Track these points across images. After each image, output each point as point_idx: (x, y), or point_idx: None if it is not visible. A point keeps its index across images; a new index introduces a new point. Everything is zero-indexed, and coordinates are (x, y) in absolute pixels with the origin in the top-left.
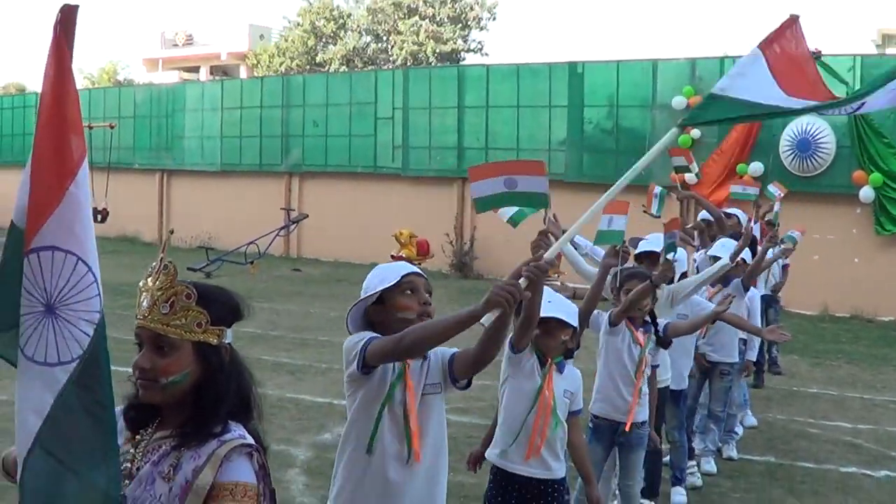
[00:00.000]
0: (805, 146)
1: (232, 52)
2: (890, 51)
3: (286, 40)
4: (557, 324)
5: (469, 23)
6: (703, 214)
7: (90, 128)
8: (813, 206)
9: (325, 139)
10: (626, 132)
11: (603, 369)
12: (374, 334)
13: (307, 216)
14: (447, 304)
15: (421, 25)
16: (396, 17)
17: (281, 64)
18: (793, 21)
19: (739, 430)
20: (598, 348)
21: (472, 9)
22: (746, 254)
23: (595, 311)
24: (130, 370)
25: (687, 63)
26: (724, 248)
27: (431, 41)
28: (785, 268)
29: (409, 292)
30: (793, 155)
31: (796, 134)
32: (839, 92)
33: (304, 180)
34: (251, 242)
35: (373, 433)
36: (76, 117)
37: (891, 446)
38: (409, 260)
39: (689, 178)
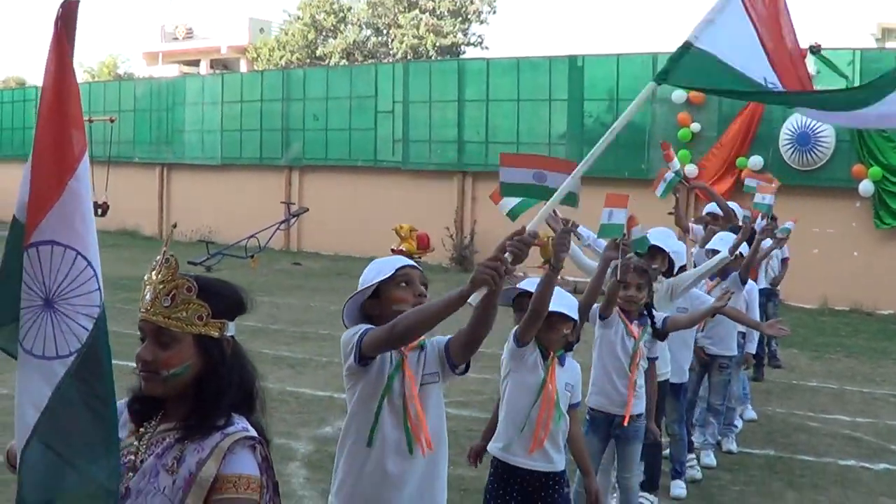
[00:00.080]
0: (805, 140)
1: (232, 45)
2: (889, 44)
3: (286, 34)
4: (559, 317)
5: (469, 16)
6: (709, 208)
7: (90, 121)
8: (812, 200)
9: (326, 133)
10: (626, 126)
11: (597, 362)
12: (370, 326)
13: (307, 210)
14: None
15: (421, 19)
16: (397, 10)
17: (281, 57)
18: None
19: (739, 423)
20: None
21: (472, 2)
22: (745, 248)
23: (595, 305)
24: (131, 364)
25: None
26: (722, 241)
27: (432, 35)
28: (784, 261)
29: (403, 284)
30: (792, 148)
31: (796, 128)
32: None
33: (305, 174)
34: (251, 236)
35: (373, 426)
36: (77, 112)
37: (890, 439)
38: (409, 254)
39: (690, 170)
